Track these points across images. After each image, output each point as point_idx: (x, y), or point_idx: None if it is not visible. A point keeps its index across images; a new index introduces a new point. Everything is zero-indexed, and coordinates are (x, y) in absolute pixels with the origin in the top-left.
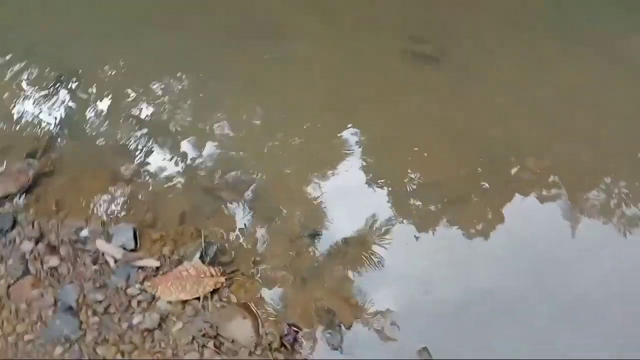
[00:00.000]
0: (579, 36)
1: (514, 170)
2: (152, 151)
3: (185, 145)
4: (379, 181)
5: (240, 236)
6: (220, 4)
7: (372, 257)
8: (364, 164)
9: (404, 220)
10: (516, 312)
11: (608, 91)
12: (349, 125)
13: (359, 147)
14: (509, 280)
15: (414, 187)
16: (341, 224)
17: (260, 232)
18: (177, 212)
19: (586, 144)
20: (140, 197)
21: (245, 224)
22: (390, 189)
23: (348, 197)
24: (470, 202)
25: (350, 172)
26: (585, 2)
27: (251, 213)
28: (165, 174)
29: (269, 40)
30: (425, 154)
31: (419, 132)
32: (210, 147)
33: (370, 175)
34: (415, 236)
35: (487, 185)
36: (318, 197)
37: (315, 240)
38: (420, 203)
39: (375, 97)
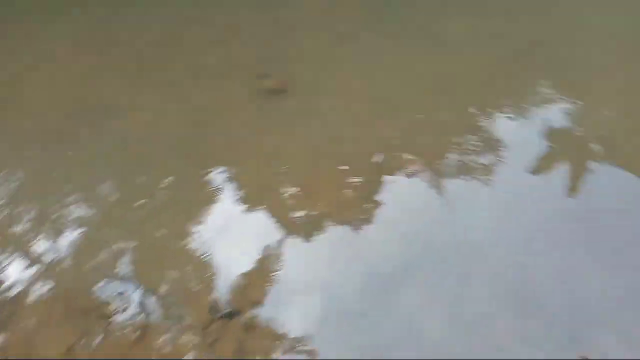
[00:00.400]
0: (404, 28)
1: (383, 165)
2: (7, 270)
3: (43, 249)
4: (258, 211)
5: (145, 349)
6: (44, 93)
7: (276, 283)
8: (239, 200)
9: (293, 238)
10: (420, 283)
11: (435, 70)
12: (214, 169)
13: (229, 186)
14: (404, 259)
15: (292, 206)
16: (237, 264)
17: (165, 334)
18: (61, 348)
19: (438, 121)
20: (12, 340)
21: (145, 330)
22: (270, 214)
23: (233, 236)
24: (345, 202)
25: (227, 212)
26: None
27: (146, 314)
28: (32, 297)
29: (104, 119)
30: (292, 175)
31: (284, 158)
32: (69, 243)
33: (247, 208)
34: (308, 247)
35: (359, 182)
36: (204, 251)
37: (232, 318)
38: (302, 215)
39: (235, 138)
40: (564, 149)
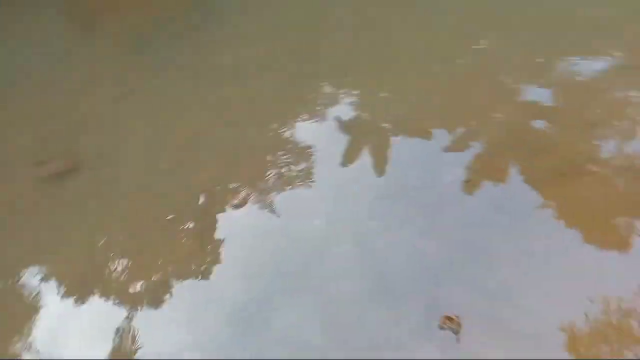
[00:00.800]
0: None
1: (209, 203)
2: None
3: None
4: (92, 299)
5: None
6: None
7: None
8: (65, 295)
9: (141, 312)
10: (285, 305)
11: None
12: (21, 276)
13: (49, 286)
14: (261, 287)
15: (127, 280)
16: None
17: None
18: None
19: (247, 145)
20: None
21: None
22: (106, 298)
23: (74, 337)
24: (183, 252)
25: (57, 313)
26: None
27: None
28: None
29: None
30: (114, 248)
31: (99, 234)
32: None
33: (79, 300)
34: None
35: (191, 227)
36: None
37: None
38: (142, 285)
39: (35, 237)
40: (362, 136)
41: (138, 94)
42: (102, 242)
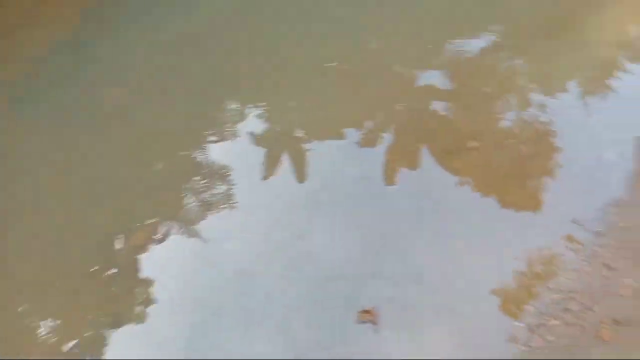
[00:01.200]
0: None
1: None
2: None
3: None
4: None
5: None
6: None
7: None
8: None
9: None
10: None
11: None
12: None
13: None
14: (198, 319)
15: (57, 341)
16: None
17: None
18: None
19: (158, 177)
20: None
21: None
22: None
23: None
24: (112, 298)
25: None
26: None
27: None
28: None
29: None
30: (37, 311)
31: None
32: None
33: None
34: None
35: (115, 273)
36: None
37: None
38: (75, 343)
39: None
40: (277, 147)
41: (21, 149)
42: (20, 308)
